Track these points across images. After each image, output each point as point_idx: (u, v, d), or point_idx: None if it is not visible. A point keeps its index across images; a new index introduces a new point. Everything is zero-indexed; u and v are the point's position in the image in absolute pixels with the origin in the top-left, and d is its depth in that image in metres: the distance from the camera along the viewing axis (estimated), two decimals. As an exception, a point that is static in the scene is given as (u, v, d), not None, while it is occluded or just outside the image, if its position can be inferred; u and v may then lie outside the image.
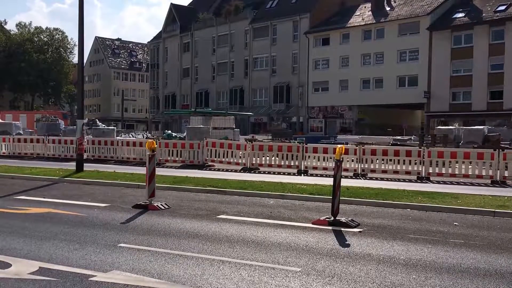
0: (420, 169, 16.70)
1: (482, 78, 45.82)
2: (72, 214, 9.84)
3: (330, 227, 8.77)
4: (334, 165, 9.52)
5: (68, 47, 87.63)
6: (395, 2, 55.84)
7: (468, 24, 46.85)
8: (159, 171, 13.60)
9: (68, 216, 9.61)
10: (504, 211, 10.29)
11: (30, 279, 5.69)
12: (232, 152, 20.02)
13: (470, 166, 16.19)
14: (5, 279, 5.68)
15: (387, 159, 17.40)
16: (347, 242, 7.76)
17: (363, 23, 54.74)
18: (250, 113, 54.80)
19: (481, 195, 12.42)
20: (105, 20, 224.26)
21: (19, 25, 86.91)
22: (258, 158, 19.30)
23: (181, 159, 20.70)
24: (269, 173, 18.12)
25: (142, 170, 15.53)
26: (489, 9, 46.94)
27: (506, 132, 30.14)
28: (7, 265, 6.21)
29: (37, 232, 8.09)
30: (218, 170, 19.36)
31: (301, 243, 7.61)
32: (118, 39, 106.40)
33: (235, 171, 18.84)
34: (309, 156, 18.39)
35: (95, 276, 5.81)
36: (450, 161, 16.39)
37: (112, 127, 35.29)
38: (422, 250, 7.26)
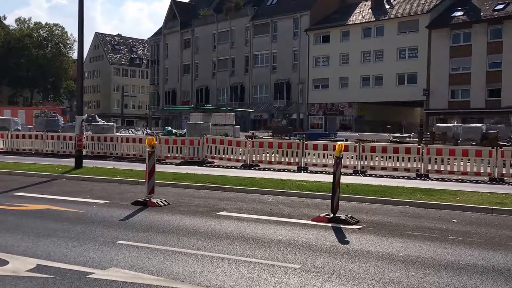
0: (419, 166, 16.71)
1: (481, 76, 45.86)
2: (70, 210, 9.82)
3: (329, 224, 8.78)
4: (334, 162, 9.52)
5: (68, 42, 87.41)
6: (394, 0, 55.80)
7: (466, 23, 46.89)
8: (159, 168, 13.59)
9: (66, 213, 9.60)
10: (502, 208, 10.32)
11: (27, 277, 5.68)
12: (232, 148, 20.02)
13: (468, 164, 16.21)
14: (2, 277, 5.66)
15: (386, 156, 17.42)
16: (346, 239, 7.77)
17: (363, 21, 54.70)
18: (250, 110, 54.81)
19: (479, 192, 12.43)
20: (105, 16, 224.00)
21: (18, 20, 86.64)
22: (258, 155, 19.29)
23: (181, 155, 20.67)
24: (269, 170, 18.09)
25: (141, 167, 15.50)
26: (487, 7, 46.96)
27: (504, 129, 30.15)
28: (5, 262, 6.19)
29: (35, 229, 8.08)
30: (218, 166, 19.37)
31: (300, 240, 7.62)
32: (118, 35, 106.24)
33: (235, 167, 18.85)
34: (309, 153, 18.38)
35: (94, 273, 5.79)
36: (448, 159, 16.39)
37: (112, 123, 35.24)
38: (420, 247, 7.27)
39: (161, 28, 78.70)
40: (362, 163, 17.47)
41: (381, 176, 16.49)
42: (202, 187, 13.18)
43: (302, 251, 6.98)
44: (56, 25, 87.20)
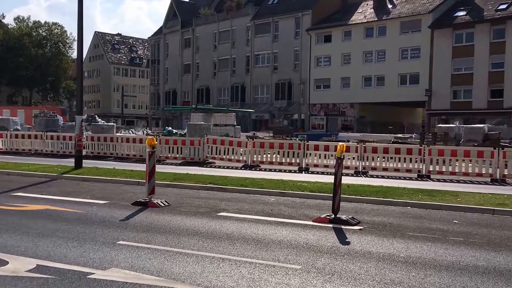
0: (421, 167, 16.67)
1: (483, 76, 45.82)
2: (70, 211, 9.80)
3: (330, 225, 8.75)
4: (335, 163, 9.49)
5: (67, 42, 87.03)
6: (397, 0, 55.77)
7: (469, 23, 46.84)
8: (159, 168, 13.56)
9: (66, 213, 9.58)
10: (503, 209, 10.29)
11: (27, 277, 5.66)
12: (233, 149, 19.98)
13: (470, 164, 16.17)
14: (2, 277, 5.65)
15: (388, 157, 17.37)
16: (347, 240, 7.74)
17: (365, 21, 54.69)
18: (251, 110, 54.77)
19: (481, 193, 12.40)
20: (104, 15, 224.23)
21: (17, 19, 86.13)
22: (259, 156, 19.25)
23: (181, 156, 20.64)
24: (270, 170, 18.04)
25: (142, 167, 15.49)
26: (490, 7, 46.89)
27: (506, 130, 30.16)
28: (4, 263, 6.17)
29: (35, 229, 8.06)
30: (219, 167, 19.34)
31: (301, 241, 7.59)
32: (118, 34, 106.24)
33: (236, 168, 18.81)
34: (310, 154, 18.34)
35: (94, 273, 5.78)
36: (450, 159, 16.35)
37: (112, 123, 35.25)
38: (421, 248, 7.25)
39: (161, 27, 78.73)
40: (363, 164, 17.43)
41: (383, 177, 16.44)
42: (202, 187, 13.16)
43: (303, 252, 6.96)
44: (55, 24, 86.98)
